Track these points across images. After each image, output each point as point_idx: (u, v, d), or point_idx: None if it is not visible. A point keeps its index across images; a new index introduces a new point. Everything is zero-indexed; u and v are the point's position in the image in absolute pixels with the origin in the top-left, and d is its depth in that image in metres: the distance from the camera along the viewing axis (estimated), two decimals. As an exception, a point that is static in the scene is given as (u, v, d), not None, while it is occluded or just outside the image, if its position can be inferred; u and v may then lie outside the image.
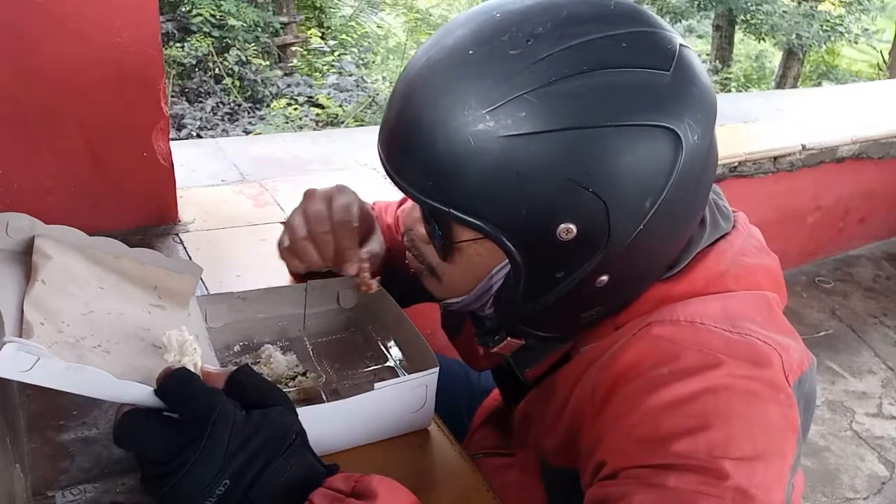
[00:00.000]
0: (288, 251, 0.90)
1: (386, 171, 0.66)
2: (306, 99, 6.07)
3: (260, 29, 6.63)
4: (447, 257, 0.69)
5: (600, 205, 0.59)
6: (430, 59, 0.63)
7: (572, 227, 0.60)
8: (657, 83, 0.60)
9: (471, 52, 0.60)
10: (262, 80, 6.25)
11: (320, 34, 7.28)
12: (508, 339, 0.74)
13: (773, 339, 0.64)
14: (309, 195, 0.89)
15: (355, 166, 1.72)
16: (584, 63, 0.58)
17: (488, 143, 0.58)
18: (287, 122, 5.51)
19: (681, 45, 0.63)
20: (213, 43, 6.18)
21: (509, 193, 0.59)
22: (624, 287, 0.68)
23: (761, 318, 0.67)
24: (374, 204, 1.03)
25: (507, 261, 0.65)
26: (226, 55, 6.22)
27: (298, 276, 0.97)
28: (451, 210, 0.61)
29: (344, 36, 7.62)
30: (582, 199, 0.59)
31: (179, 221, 1.29)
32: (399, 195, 1.03)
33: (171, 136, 1.21)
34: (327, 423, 0.73)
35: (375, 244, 0.93)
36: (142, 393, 0.54)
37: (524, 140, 0.58)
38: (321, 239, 0.87)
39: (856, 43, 9.47)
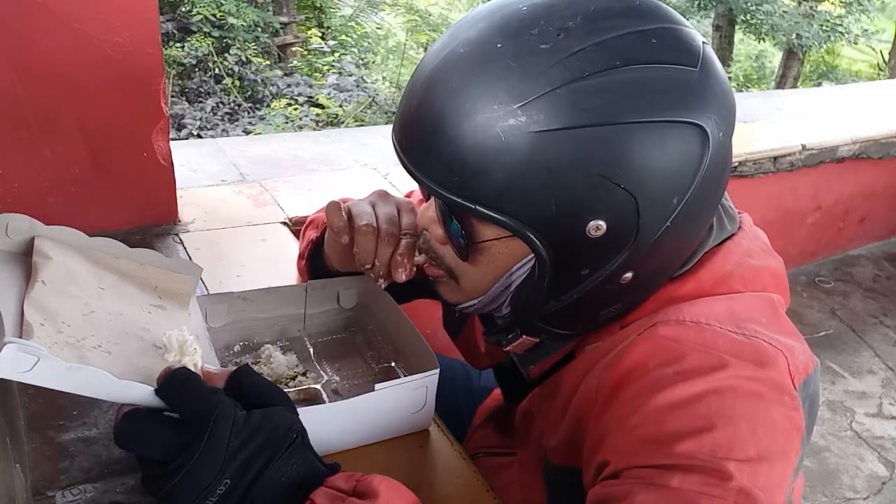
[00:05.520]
0: (338, 231, 0.78)
1: (404, 166, 0.64)
2: (306, 99, 6.06)
3: (260, 29, 6.63)
4: (467, 257, 0.68)
5: (631, 201, 0.59)
6: (453, 51, 0.61)
7: (602, 223, 0.60)
8: (686, 79, 0.60)
9: (499, 45, 0.59)
10: (262, 80, 6.24)
11: (320, 34, 7.27)
12: (524, 336, 0.72)
13: (778, 340, 0.64)
14: (382, 195, 0.82)
15: (355, 166, 1.72)
16: (616, 58, 0.58)
17: (519, 139, 0.57)
18: (287, 122, 5.50)
19: (703, 42, 0.63)
20: (213, 43, 6.18)
21: (539, 190, 0.58)
22: (645, 283, 0.67)
23: (766, 319, 0.67)
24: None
25: (527, 258, 0.65)
26: (226, 55, 6.22)
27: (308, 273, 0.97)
28: (478, 207, 0.60)
29: (344, 36, 7.61)
30: (612, 195, 0.59)
31: (179, 221, 1.29)
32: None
33: (171, 136, 1.21)
34: (327, 424, 0.72)
35: None
36: (142, 393, 0.54)
37: (556, 136, 0.57)
38: (385, 241, 0.77)
39: (855, 43, 9.46)
